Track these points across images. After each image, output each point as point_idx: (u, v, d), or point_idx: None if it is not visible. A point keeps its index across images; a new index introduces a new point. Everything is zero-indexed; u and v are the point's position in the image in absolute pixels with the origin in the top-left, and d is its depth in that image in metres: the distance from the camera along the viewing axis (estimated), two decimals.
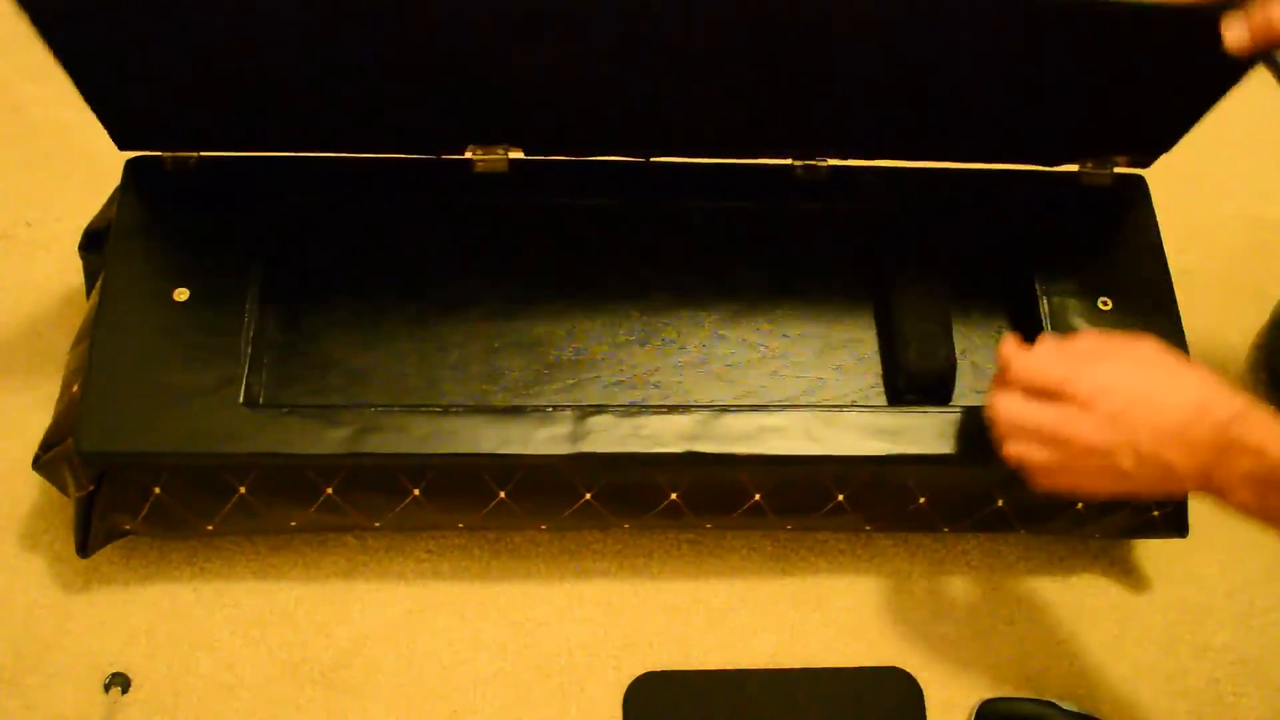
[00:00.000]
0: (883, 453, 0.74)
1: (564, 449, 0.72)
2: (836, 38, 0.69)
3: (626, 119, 0.79)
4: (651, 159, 0.83)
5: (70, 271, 0.90)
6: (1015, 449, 0.65)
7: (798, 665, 0.81)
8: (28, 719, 0.76)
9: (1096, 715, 0.79)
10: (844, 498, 0.78)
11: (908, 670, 0.81)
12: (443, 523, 0.80)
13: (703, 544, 0.85)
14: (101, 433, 0.71)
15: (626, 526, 0.80)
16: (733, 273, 0.86)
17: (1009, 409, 0.66)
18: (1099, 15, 0.66)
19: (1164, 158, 0.85)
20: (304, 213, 0.83)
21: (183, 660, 0.78)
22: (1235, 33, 0.63)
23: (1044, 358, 0.65)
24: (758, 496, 0.78)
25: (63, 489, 0.78)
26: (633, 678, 0.80)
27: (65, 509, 0.81)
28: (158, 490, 0.74)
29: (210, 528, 0.77)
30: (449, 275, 0.84)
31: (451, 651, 0.80)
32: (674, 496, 0.77)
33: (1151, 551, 0.87)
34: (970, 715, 0.80)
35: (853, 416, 0.75)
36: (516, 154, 0.82)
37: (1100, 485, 0.63)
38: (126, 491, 0.75)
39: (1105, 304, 0.81)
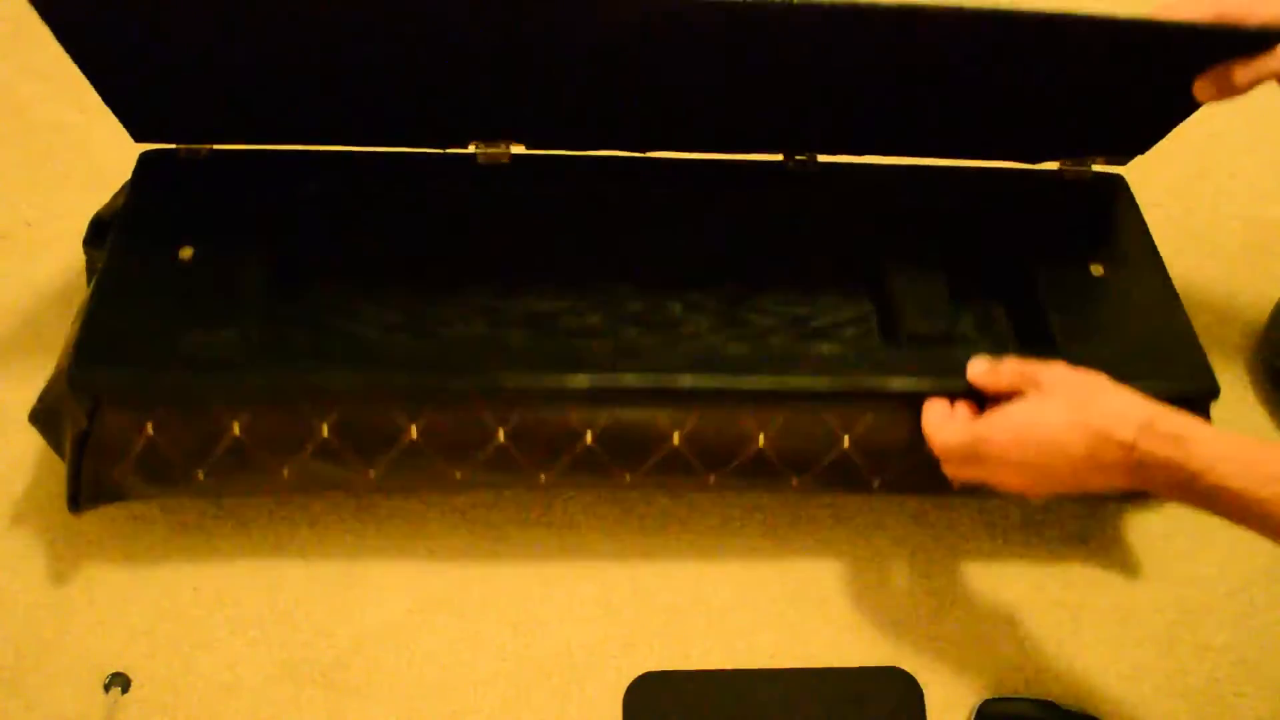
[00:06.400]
0: (887, 388, 0.75)
1: (568, 383, 0.73)
2: (827, 50, 0.71)
3: (623, 118, 0.80)
4: (647, 153, 0.85)
5: (71, 271, 0.90)
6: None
7: (798, 665, 0.81)
8: (28, 719, 0.76)
9: (1096, 715, 0.79)
10: (850, 442, 0.77)
11: (908, 670, 0.81)
12: (440, 475, 0.77)
13: (703, 543, 0.85)
14: (96, 360, 0.72)
15: (628, 479, 0.78)
16: (729, 264, 0.87)
17: (950, 474, 0.73)
18: (1080, 28, 0.69)
19: (1163, 158, 0.86)
20: (310, 200, 0.84)
21: (183, 660, 0.78)
22: (1204, 89, 0.73)
23: (953, 428, 0.72)
24: (761, 441, 0.76)
25: (58, 446, 0.77)
26: (633, 678, 0.80)
27: (65, 510, 0.81)
28: (150, 429, 0.73)
29: (202, 475, 0.75)
30: (452, 255, 0.85)
31: (451, 651, 0.80)
32: (676, 440, 0.76)
33: (1152, 552, 0.87)
34: (970, 715, 0.80)
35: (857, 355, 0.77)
36: (519, 149, 0.83)
37: (1061, 491, 0.69)
38: (119, 431, 0.74)
39: (1098, 270, 0.82)
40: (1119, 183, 0.89)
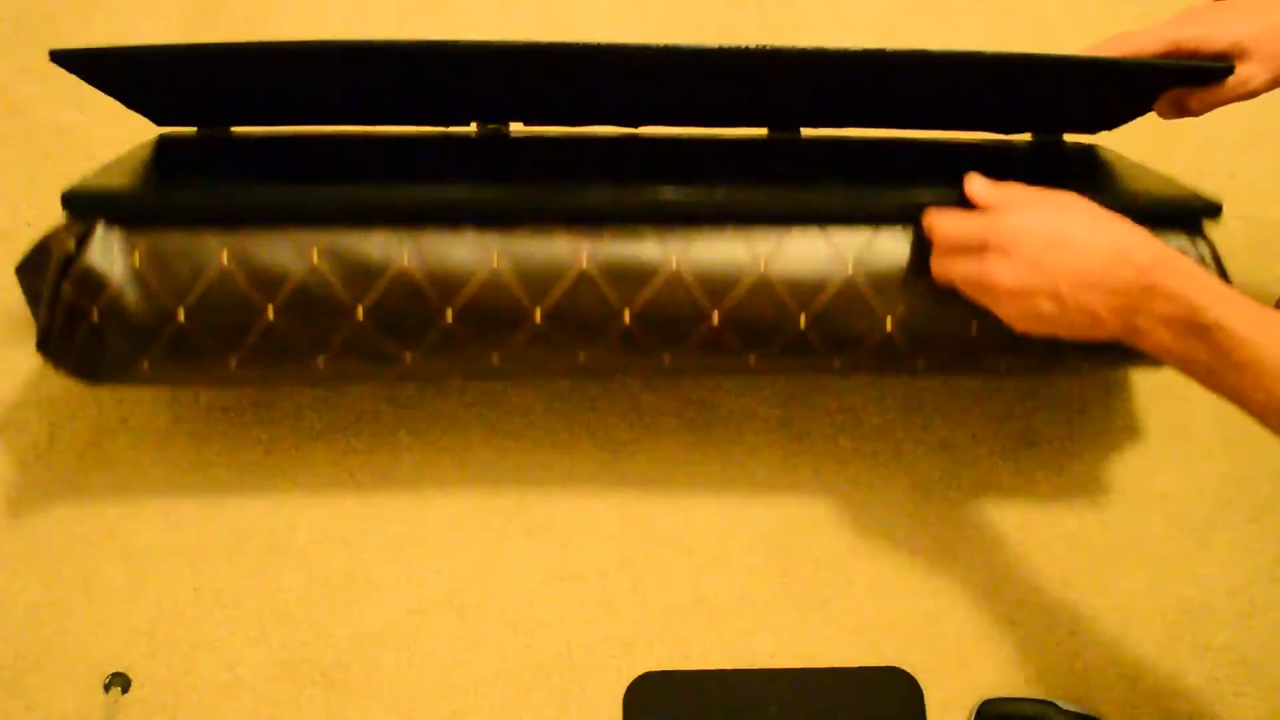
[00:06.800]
0: (887, 201, 0.74)
1: (559, 201, 0.73)
2: (807, 79, 0.76)
3: (615, 111, 0.84)
4: (639, 127, 0.87)
5: None
6: (957, 294, 0.69)
7: (798, 665, 0.81)
8: (28, 719, 0.76)
9: (1096, 715, 0.80)
10: (854, 266, 0.73)
11: (908, 670, 0.81)
12: (428, 317, 0.74)
13: (704, 542, 0.86)
14: (94, 186, 0.73)
15: (627, 318, 0.75)
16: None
17: (940, 270, 0.69)
18: (1037, 67, 0.73)
19: (1163, 158, 0.86)
20: (319, 179, 0.85)
21: (183, 660, 0.78)
22: (1164, 111, 0.78)
23: (963, 216, 0.68)
24: (762, 265, 0.74)
25: (35, 298, 0.75)
26: (633, 678, 0.80)
27: (66, 510, 0.81)
28: (137, 260, 0.72)
29: (183, 316, 0.73)
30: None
31: (451, 651, 0.80)
32: (675, 264, 0.73)
33: (1152, 552, 0.87)
34: (970, 715, 0.80)
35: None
36: (517, 126, 0.85)
37: (1026, 326, 0.66)
38: (105, 258, 0.73)
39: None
40: (1093, 148, 0.91)
